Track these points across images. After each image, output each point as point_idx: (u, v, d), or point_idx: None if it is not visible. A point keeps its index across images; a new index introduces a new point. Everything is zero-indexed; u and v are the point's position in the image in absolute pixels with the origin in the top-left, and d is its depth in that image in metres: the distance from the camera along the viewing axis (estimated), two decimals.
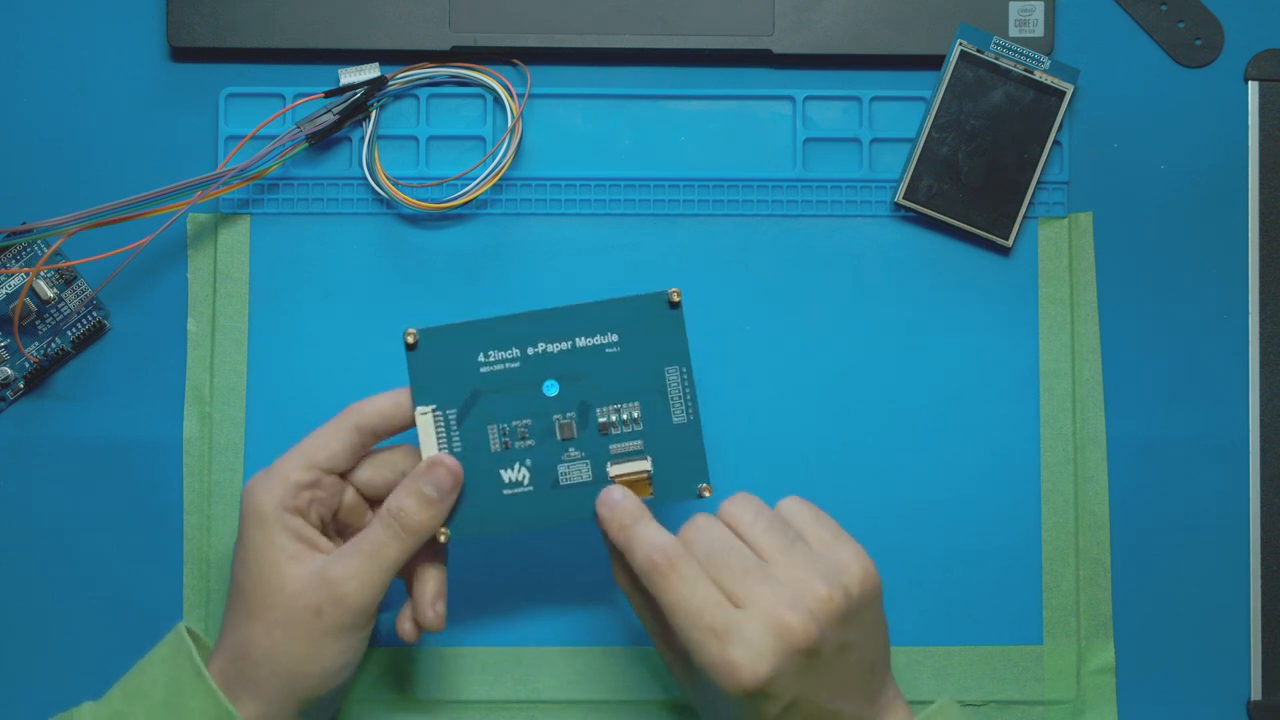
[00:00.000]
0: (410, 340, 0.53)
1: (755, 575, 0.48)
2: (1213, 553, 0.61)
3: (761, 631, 0.47)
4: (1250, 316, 0.62)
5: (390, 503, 0.52)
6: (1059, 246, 0.61)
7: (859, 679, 0.50)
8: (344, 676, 0.52)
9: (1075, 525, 0.60)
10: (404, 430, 0.53)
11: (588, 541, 0.60)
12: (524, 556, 0.60)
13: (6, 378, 0.60)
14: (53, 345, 0.60)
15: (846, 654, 0.49)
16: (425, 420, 0.52)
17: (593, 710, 0.60)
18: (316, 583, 0.50)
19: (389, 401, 0.53)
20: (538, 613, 0.60)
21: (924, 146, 0.60)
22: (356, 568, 0.51)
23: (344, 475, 0.54)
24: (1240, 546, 0.61)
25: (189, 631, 0.53)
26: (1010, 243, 0.60)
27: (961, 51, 0.60)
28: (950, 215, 0.60)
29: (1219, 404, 0.61)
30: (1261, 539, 0.61)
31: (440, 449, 0.52)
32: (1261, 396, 0.61)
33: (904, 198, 0.60)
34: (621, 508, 0.52)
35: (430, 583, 0.54)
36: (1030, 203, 0.61)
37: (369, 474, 0.54)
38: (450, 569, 0.60)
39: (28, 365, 0.60)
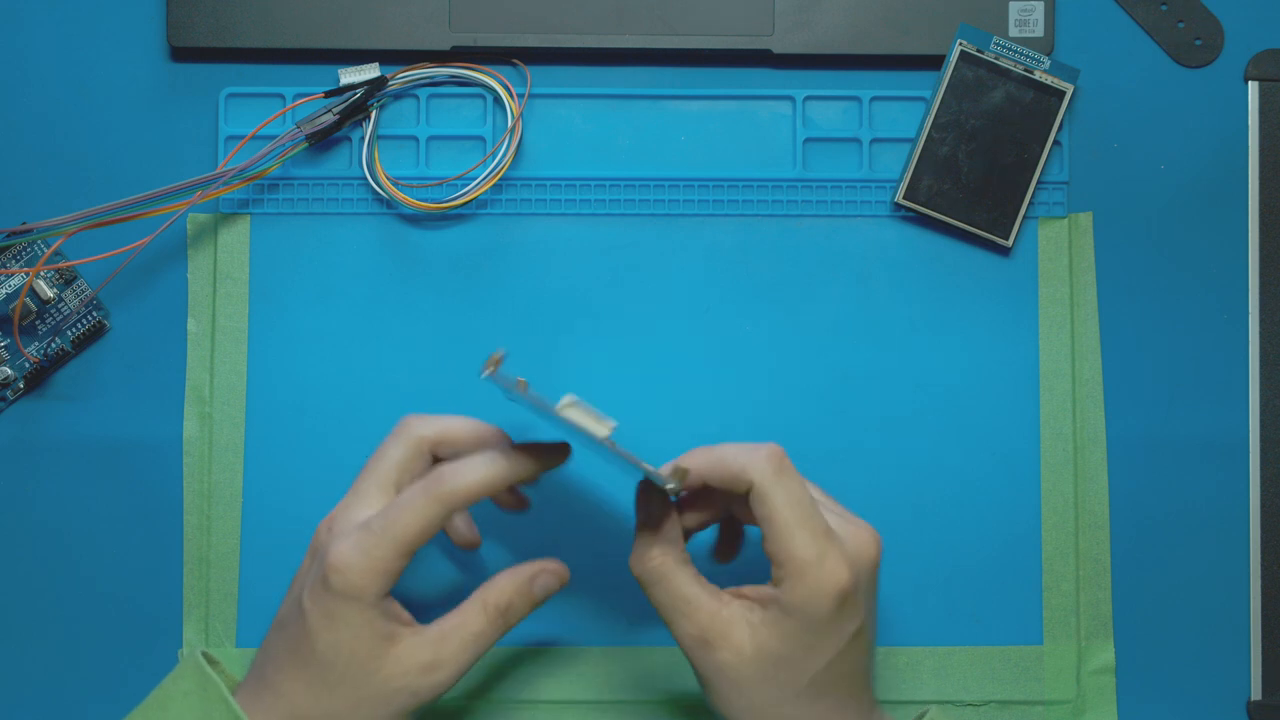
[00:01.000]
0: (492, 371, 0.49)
1: (836, 511, 0.52)
2: (1213, 553, 0.61)
3: (853, 541, 0.50)
4: (1250, 316, 0.62)
5: (496, 598, 0.51)
6: (1059, 246, 0.61)
7: (868, 658, 0.51)
8: None
9: (1075, 525, 0.60)
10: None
11: (588, 541, 0.60)
12: (524, 557, 0.60)
13: (6, 378, 0.60)
14: (53, 345, 0.60)
15: (871, 620, 0.51)
16: (573, 412, 0.49)
17: (593, 710, 0.60)
18: (418, 671, 0.50)
19: (478, 479, 0.50)
20: (538, 613, 0.60)
21: (924, 146, 0.60)
22: (456, 658, 0.50)
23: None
24: (1240, 546, 0.61)
25: (206, 656, 0.52)
26: (1010, 243, 0.60)
27: (961, 51, 0.60)
28: (950, 215, 0.60)
29: (1219, 404, 0.61)
30: (1261, 539, 0.61)
31: (603, 424, 0.48)
32: (1261, 396, 0.61)
33: (904, 198, 0.60)
34: (709, 450, 0.51)
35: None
36: (1030, 203, 0.61)
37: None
38: (451, 569, 0.60)
39: (28, 365, 0.60)
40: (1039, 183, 0.61)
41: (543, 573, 0.52)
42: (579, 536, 0.60)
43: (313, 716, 0.50)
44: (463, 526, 0.57)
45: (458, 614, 0.51)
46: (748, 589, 0.51)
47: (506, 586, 0.52)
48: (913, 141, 0.61)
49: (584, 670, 0.60)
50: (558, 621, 0.60)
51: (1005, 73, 0.60)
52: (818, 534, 0.49)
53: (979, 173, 0.60)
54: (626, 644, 0.60)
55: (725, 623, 0.50)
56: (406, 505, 0.49)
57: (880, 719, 0.52)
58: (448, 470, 0.50)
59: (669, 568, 0.51)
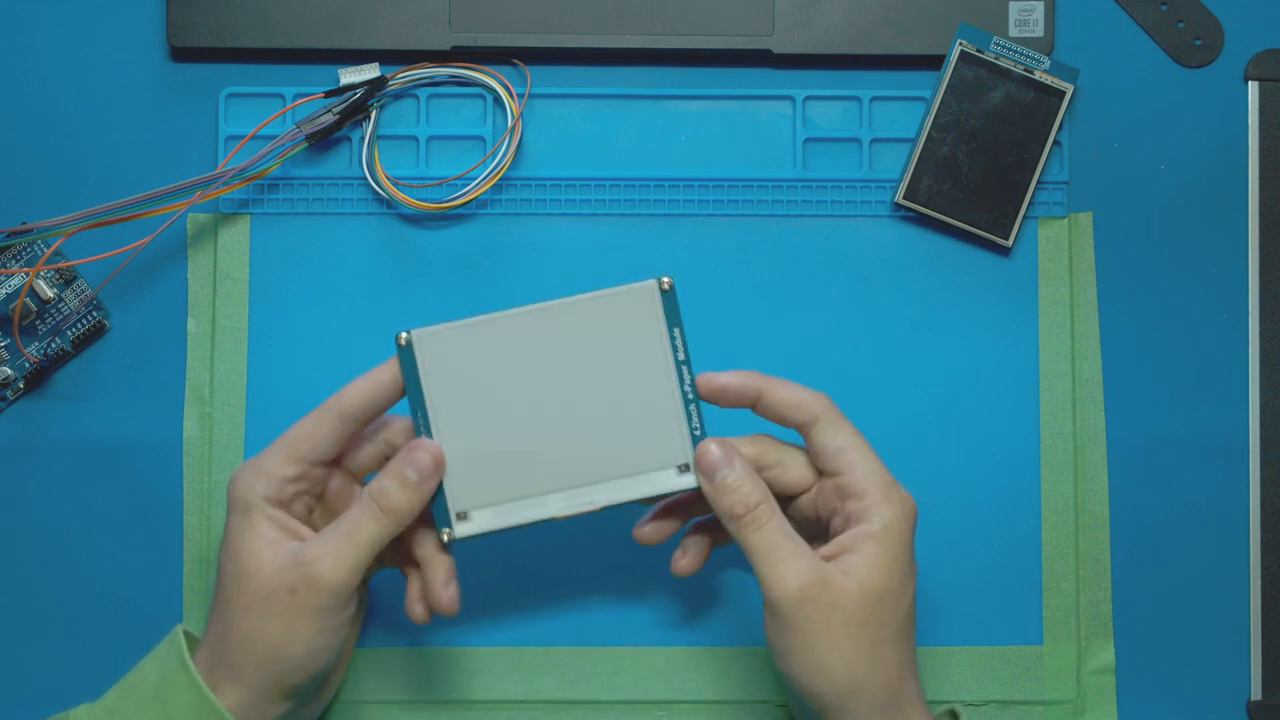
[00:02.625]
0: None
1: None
2: (1213, 553, 0.61)
3: (904, 493, 0.52)
4: (1250, 316, 0.62)
5: (371, 485, 0.52)
6: (1059, 246, 0.61)
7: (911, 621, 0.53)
8: (323, 662, 0.52)
9: (1075, 525, 0.60)
10: (385, 410, 0.53)
11: (588, 542, 0.60)
12: (524, 557, 0.60)
13: (6, 378, 0.60)
14: (53, 345, 0.60)
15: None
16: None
17: (593, 710, 0.60)
18: (291, 563, 0.51)
19: (369, 385, 0.52)
20: (538, 613, 0.60)
21: (924, 146, 0.60)
22: (332, 546, 0.51)
23: (333, 463, 0.54)
24: (1240, 546, 0.61)
25: (185, 633, 0.53)
26: (1010, 243, 0.60)
27: (961, 51, 0.60)
28: (950, 215, 0.60)
29: (1219, 404, 0.61)
30: (1261, 539, 0.61)
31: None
32: (1261, 396, 0.61)
33: (904, 198, 0.60)
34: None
35: (440, 568, 0.53)
36: (1030, 203, 0.61)
37: (359, 457, 0.54)
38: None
39: (28, 365, 0.60)
40: (1039, 183, 0.61)
41: (412, 451, 0.52)
42: (579, 536, 0.60)
43: (230, 635, 0.51)
44: (440, 591, 0.53)
45: (342, 515, 0.52)
46: (826, 548, 0.51)
47: (380, 474, 0.52)
48: (913, 141, 0.61)
49: (584, 670, 0.60)
50: (558, 621, 0.60)
51: (1005, 73, 0.60)
52: (889, 483, 0.51)
53: (979, 173, 0.60)
54: (627, 644, 0.60)
55: (828, 574, 0.50)
56: (300, 420, 0.53)
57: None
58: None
59: (764, 513, 0.51)
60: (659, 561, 0.60)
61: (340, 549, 0.51)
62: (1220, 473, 0.61)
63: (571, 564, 0.60)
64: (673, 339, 0.50)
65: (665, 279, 0.51)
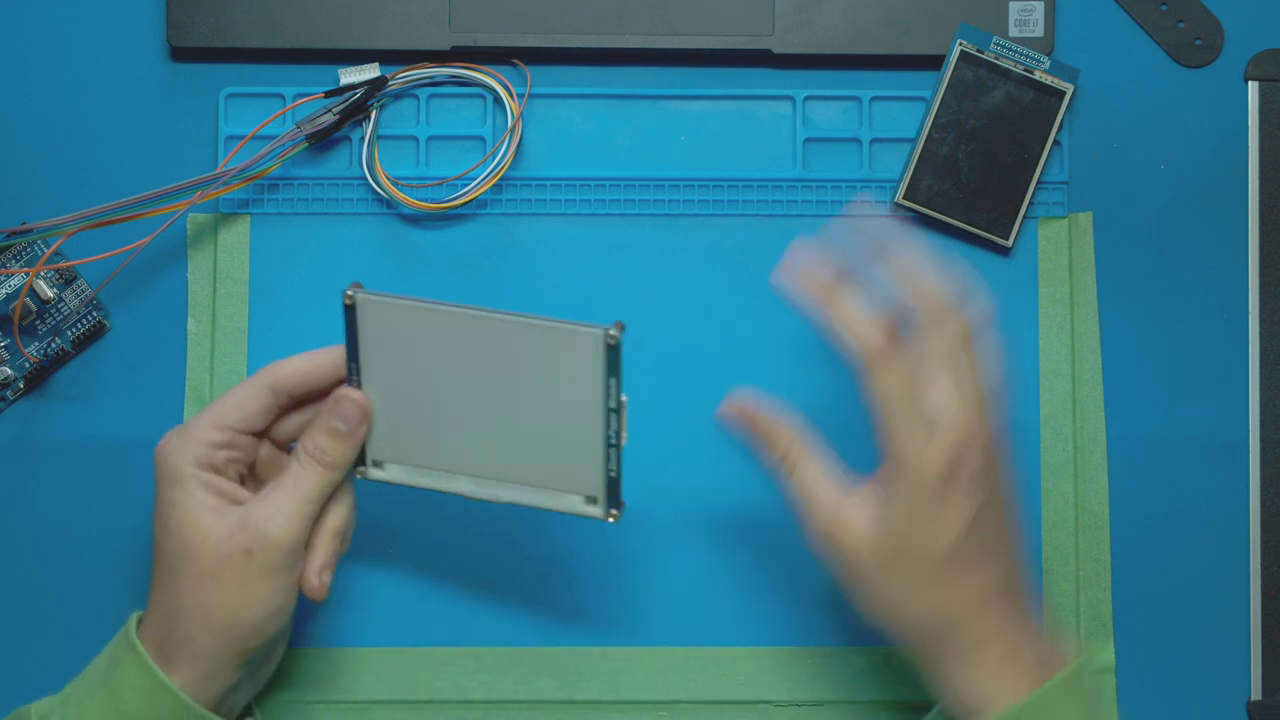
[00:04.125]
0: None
1: (960, 384, 0.51)
2: (1213, 553, 0.61)
3: (954, 424, 0.50)
4: (1250, 316, 0.62)
5: (304, 442, 0.52)
6: (1059, 246, 0.61)
7: (1003, 538, 0.51)
8: (278, 624, 0.52)
9: (1075, 525, 0.60)
10: (321, 393, 0.53)
11: (588, 542, 0.60)
12: (523, 557, 0.60)
13: (6, 378, 0.60)
14: (53, 345, 0.60)
15: (998, 498, 0.51)
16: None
17: (593, 710, 0.60)
18: (241, 527, 0.51)
19: (307, 363, 0.53)
20: (537, 613, 0.60)
21: (924, 146, 0.60)
22: (280, 504, 0.51)
23: (262, 433, 0.54)
24: (1240, 546, 0.61)
25: (139, 617, 0.53)
26: (1010, 243, 0.60)
27: (962, 51, 0.60)
28: (950, 215, 0.60)
29: (1219, 404, 0.61)
30: (1261, 539, 0.61)
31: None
32: (1261, 396, 0.61)
33: (904, 198, 0.60)
34: (833, 305, 0.52)
35: (319, 553, 0.53)
36: (1030, 203, 0.61)
37: (285, 426, 0.54)
38: (451, 568, 0.60)
39: (28, 365, 0.60)
40: (1039, 183, 0.61)
41: (338, 403, 0.52)
42: (579, 536, 0.60)
43: (180, 609, 0.51)
44: (312, 576, 0.53)
45: (279, 475, 0.52)
46: (872, 477, 0.52)
47: (310, 430, 0.52)
48: (913, 141, 0.61)
49: (584, 670, 0.60)
50: (558, 622, 0.60)
51: (1005, 73, 0.60)
52: (914, 423, 0.50)
53: (979, 173, 0.60)
54: (627, 644, 0.60)
55: (846, 515, 0.51)
56: (231, 389, 0.53)
57: (1026, 617, 0.52)
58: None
59: (795, 457, 0.53)
60: (659, 561, 0.60)
61: (287, 505, 0.51)
62: (1220, 473, 0.61)
63: (571, 564, 0.60)
64: (607, 387, 0.50)
65: (613, 331, 0.50)
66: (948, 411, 0.50)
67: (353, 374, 0.52)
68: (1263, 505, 0.61)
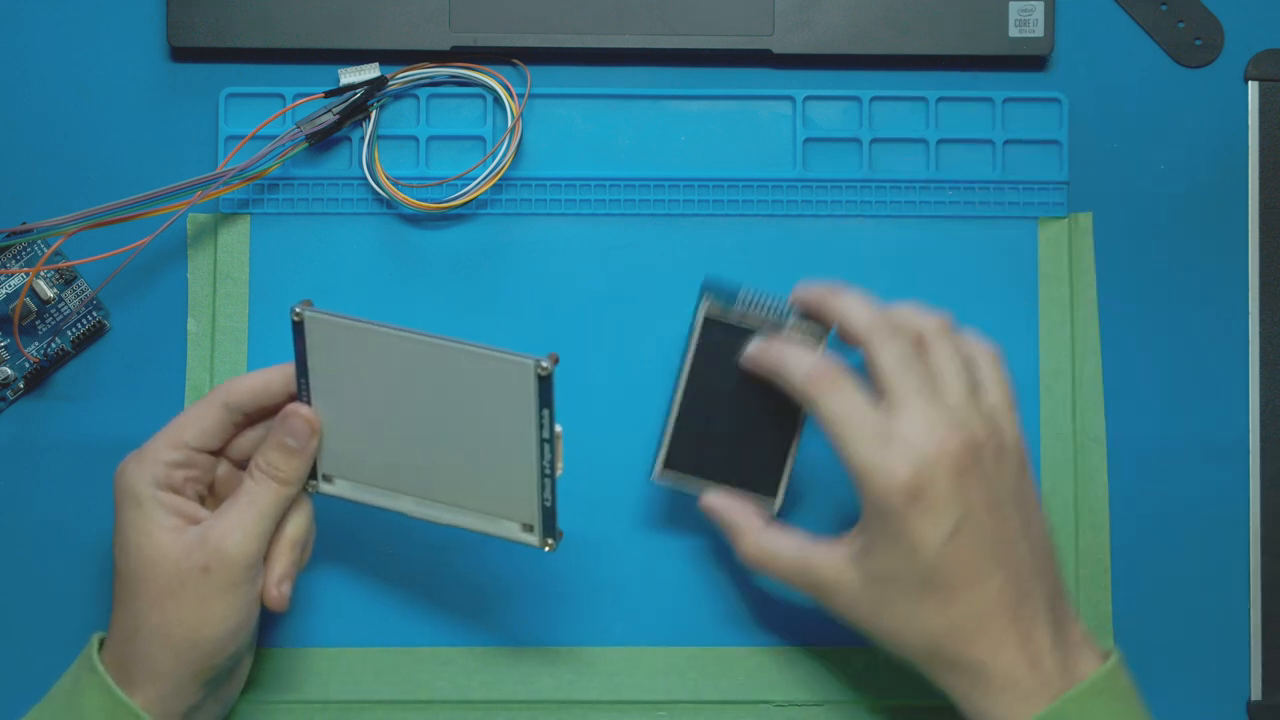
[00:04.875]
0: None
1: (924, 394, 0.50)
2: (1213, 553, 0.61)
3: (919, 437, 0.49)
4: (1250, 316, 0.62)
5: (257, 458, 0.53)
6: (1059, 246, 0.61)
7: (1000, 546, 0.50)
8: (239, 641, 0.52)
9: (1075, 525, 0.60)
10: (274, 409, 0.54)
11: (588, 542, 0.60)
12: (523, 556, 0.60)
13: (6, 378, 0.60)
14: (53, 345, 0.60)
15: (984, 506, 0.50)
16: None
17: (593, 710, 0.60)
18: (199, 544, 0.51)
19: (259, 381, 0.53)
20: (537, 613, 0.60)
21: (678, 415, 0.56)
22: (236, 520, 0.51)
23: (218, 452, 0.54)
24: (1240, 547, 0.61)
25: (101, 638, 0.53)
26: (776, 508, 0.57)
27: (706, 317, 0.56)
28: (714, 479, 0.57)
29: (1219, 404, 0.61)
30: (1261, 539, 0.61)
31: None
32: (1261, 396, 0.61)
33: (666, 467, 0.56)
34: (767, 349, 0.54)
35: (278, 564, 0.53)
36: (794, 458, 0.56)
37: (241, 444, 0.55)
38: (451, 568, 0.60)
39: (28, 365, 0.60)
40: (1039, 183, 0.61)
41: (287, 419, 0.53)
42: (578, 537, 0.60)
43: (141, 629, 0.51)
44: (272, 587, 0.53)
45: (234, 493, 0.53)
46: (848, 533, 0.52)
47: (262, 448, 0.53)
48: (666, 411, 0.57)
49: (583, 670, 0.60)
50: (557, 622, 0.60)
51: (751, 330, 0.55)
52: (867, 438, 0.49)
53: (735, 434, 0.56)
54: (625, 644, 0.60)
55: (833, 571, 0.52)
56: (187, 408, 0.54)
57: (1064, 608, 0.52)
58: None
59: (765, 554, 0.54)
60: (659, 561, 0.60)
61: (243, 521, 0.51)
62: (1220, 473, 0.61)
63: (571, 564, 0.60)
64: (540, 418, 0.50)
65: (545, 363, 0.49)
66: (906, 423, 0.50)
67: (303, 390, 0.53)
68: (1263, 505, 0.61)
